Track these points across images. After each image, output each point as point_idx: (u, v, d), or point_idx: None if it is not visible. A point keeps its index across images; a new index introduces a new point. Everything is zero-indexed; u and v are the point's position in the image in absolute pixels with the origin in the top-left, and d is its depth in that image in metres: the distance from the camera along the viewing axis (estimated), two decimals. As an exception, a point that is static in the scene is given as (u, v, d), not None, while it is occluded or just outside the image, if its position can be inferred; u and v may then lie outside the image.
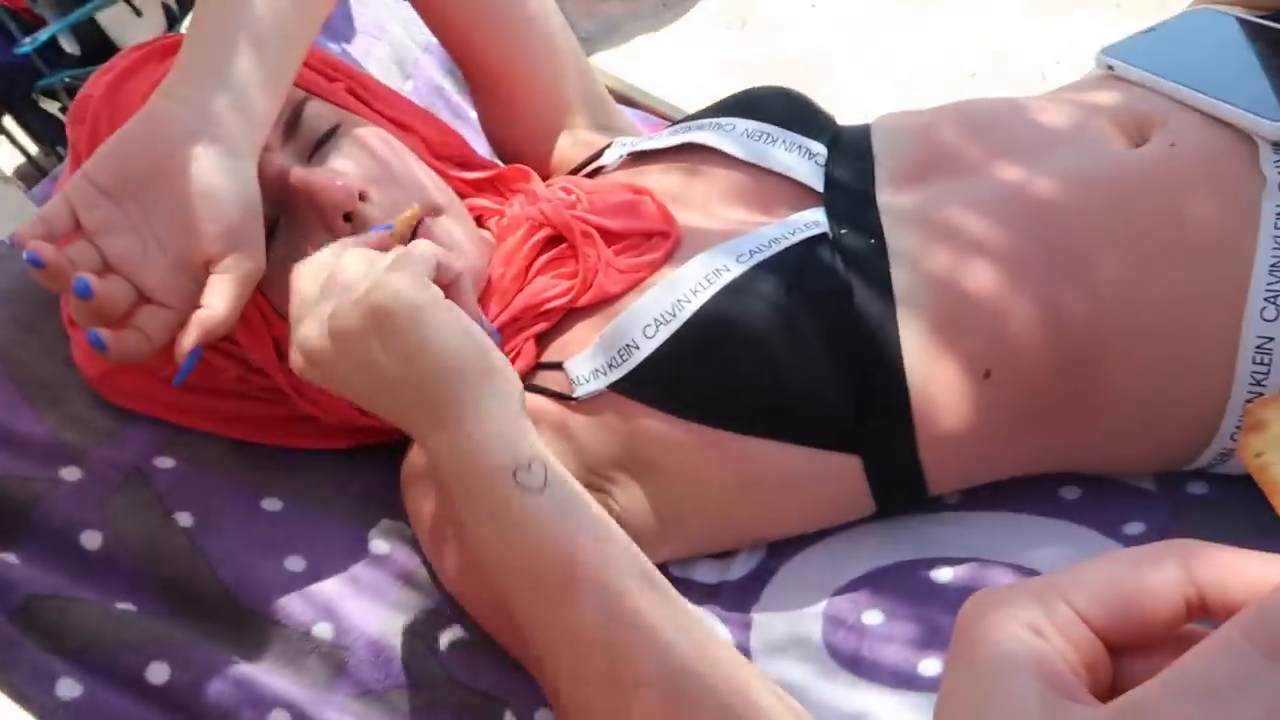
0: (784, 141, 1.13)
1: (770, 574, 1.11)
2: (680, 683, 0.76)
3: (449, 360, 0.79)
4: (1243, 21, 1.15)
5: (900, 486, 1.04)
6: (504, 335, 1.07)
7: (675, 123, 1.29)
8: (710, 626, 1.06)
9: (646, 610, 0.78)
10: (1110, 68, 1.14)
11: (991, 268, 1.00)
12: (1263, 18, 1.15)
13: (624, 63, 3.36)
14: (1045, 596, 0.42)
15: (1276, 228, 0.95)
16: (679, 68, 3.32)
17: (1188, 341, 0.98)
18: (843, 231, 1.05)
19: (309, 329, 0.82)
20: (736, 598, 1.10)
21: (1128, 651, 0.42)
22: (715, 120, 1.18)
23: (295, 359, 0.85)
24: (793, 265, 1.01)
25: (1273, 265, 0.94)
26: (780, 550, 1.12)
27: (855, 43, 3.28)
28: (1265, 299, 0.96)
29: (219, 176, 0.86)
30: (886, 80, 3.15)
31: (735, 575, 1.12)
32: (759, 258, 1.02)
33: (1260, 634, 0.38)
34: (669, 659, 0.76)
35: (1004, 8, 3.31)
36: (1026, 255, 0.99)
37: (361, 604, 1.02)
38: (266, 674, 0.96)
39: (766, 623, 1.06)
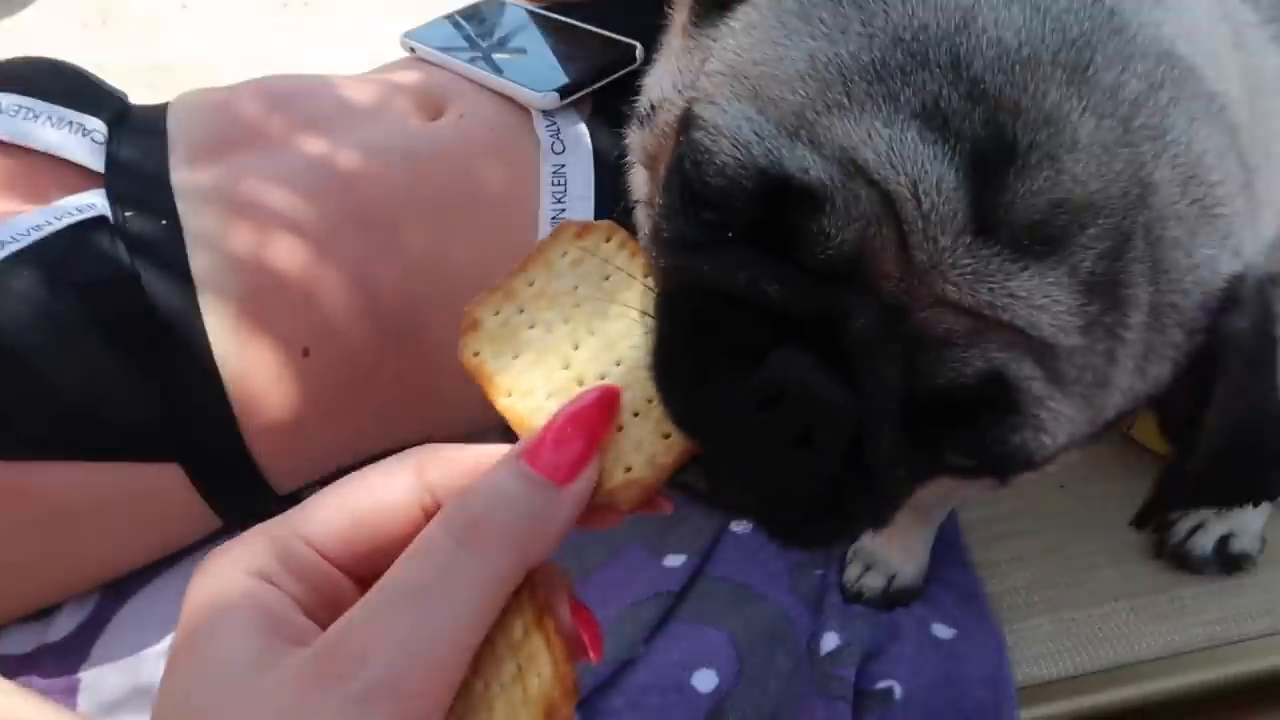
0: (50, 117, 0.98)
1: (104, 622, 0.96)
2: None
3: None
4: (530, 11, 1.27)
5: (238, 487, 0.96)
6: None
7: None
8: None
9: None
10: (412, 50, 1.19)
11: (298, 243, 0.96)
12: (544, 8, 1.28)
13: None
14: (278, 538, 0.41)
15: (553, 184, 1.04)
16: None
17: None
18: (128, 215, 0.94)
19: None
20: (59, 660, 0.93)
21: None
22: None
23: None
24: (56, 255, 0.88)
25: (553, 217, 1.04)
26: (119, 591, 0.98)
27: (240, 44, 3.09)
28: None
29: None
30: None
31: (58, 635, 0.94)
32: (12, 249, 0.87)
33: (455, 524, 0.40)
34: None
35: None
36: (334, 229, 0.97)
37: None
38: None
39: (99, 681, 0.91)
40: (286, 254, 0.95)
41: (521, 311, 0.47)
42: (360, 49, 1.48)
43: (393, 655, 0.37)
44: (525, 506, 0.40)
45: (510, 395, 0.45)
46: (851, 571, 0.96)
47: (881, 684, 0.85)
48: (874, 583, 0.94)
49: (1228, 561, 0.98)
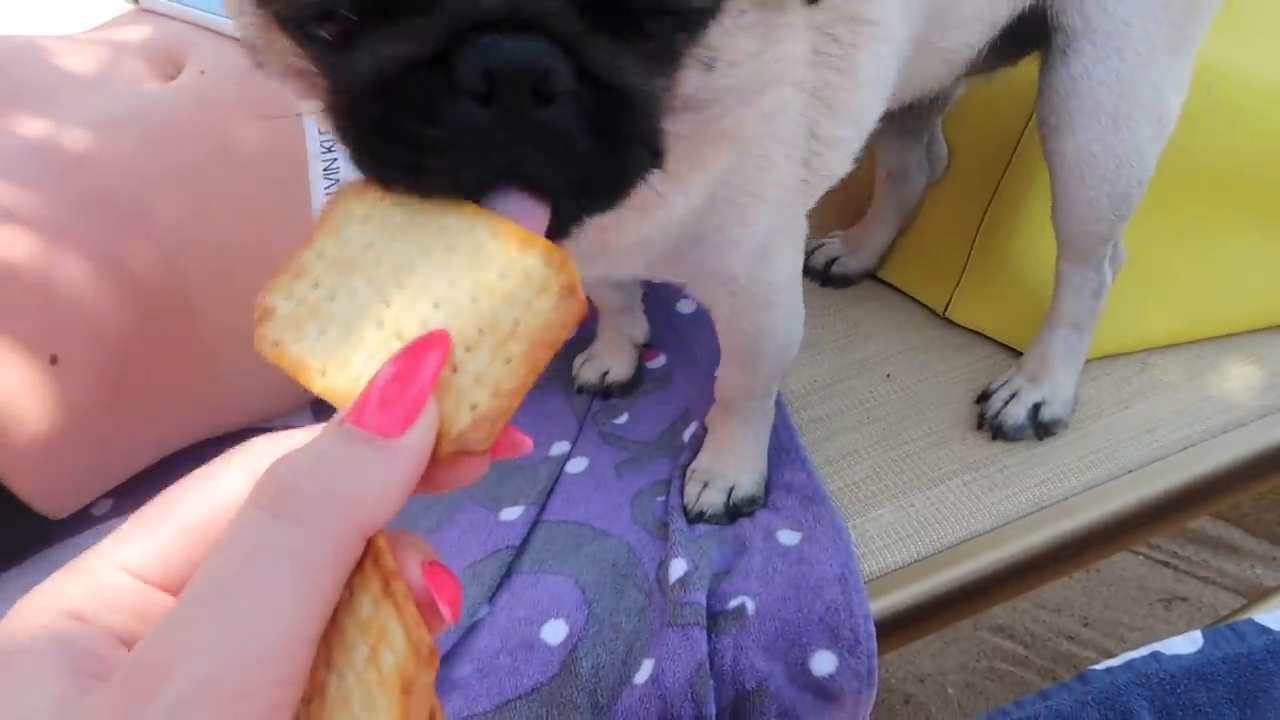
0: None
1: None
2: None
3: None
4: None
5: None
6: None
7: None
8: None
9: None
10: (137, 1, 1.06)
11: (26, 237, 0.84)
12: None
13: None
14: (89, 570, 0.35)
15: (320, 131, 0.95)
16: None
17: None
18: None
19: None
20: None
21: None
22: None
23: None
24: None
25: (325, 167, 0.95)
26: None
27: None
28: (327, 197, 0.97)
29: None
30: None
31: None
32: None
33: (264, 495, 0.34)
34: None
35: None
36: (68, 216, 0.86)
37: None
38: None
39: None
40: (13, 252, 0.83)
41: (317, 286, 0.41)
42: (73, 5, 1.32)
43: (203, 659, 0.31)
44: (348, 465, 0.35)
45: (326, 374, 0.39)
46: (690, 490, 0.93)
47: (734, 602, 0.83)
48: (714, 498, 0.92)
49: (1040, 428, 1.01)
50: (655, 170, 0.48)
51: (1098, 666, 0.77)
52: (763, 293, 0.82)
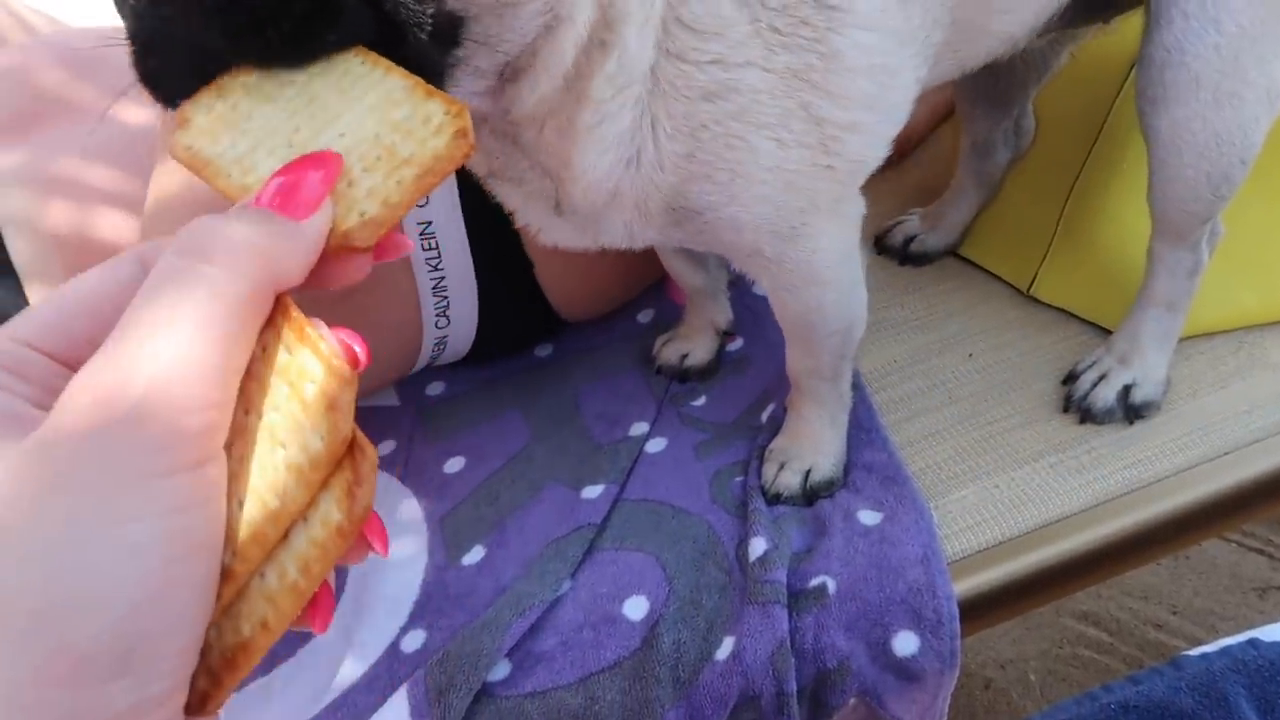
0: None
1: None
2: None
3: None
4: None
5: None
6: None
7: None
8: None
9: None
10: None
11: (126, 220, 0.88)
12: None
13: None
14: None
15: None
16: None
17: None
18: None
19: None
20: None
21: None
22: None
23: None
24: None
25: None
26: None
27: None
28: None
29: None
30: None
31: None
32: None
33: (183, 245, 0.38)
34: None
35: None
36: None
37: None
38: None
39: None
40: (121, 234, 0.87)
41: (236, 108, 0.47)
42: None
43: (153, 371, 0.34)
44: (261, 225, 0.39)
45: (231, 176, 0.44)
46: (768, 471, 0.93)
47: (814, 581, 0.83)
48: (790, 479, 0.92)
49: (1131, 411, 0.97)
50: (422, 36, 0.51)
51: (1191, 652, 0.75)
52: (803, 272, 0.81)
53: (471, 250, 1.04)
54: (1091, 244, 1.12)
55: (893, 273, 1.23)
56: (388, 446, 1.07)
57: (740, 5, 0.65)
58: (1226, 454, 0.94)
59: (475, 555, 0.94)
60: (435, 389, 1.14)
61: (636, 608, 0.85)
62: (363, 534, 0.40)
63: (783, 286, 0.84)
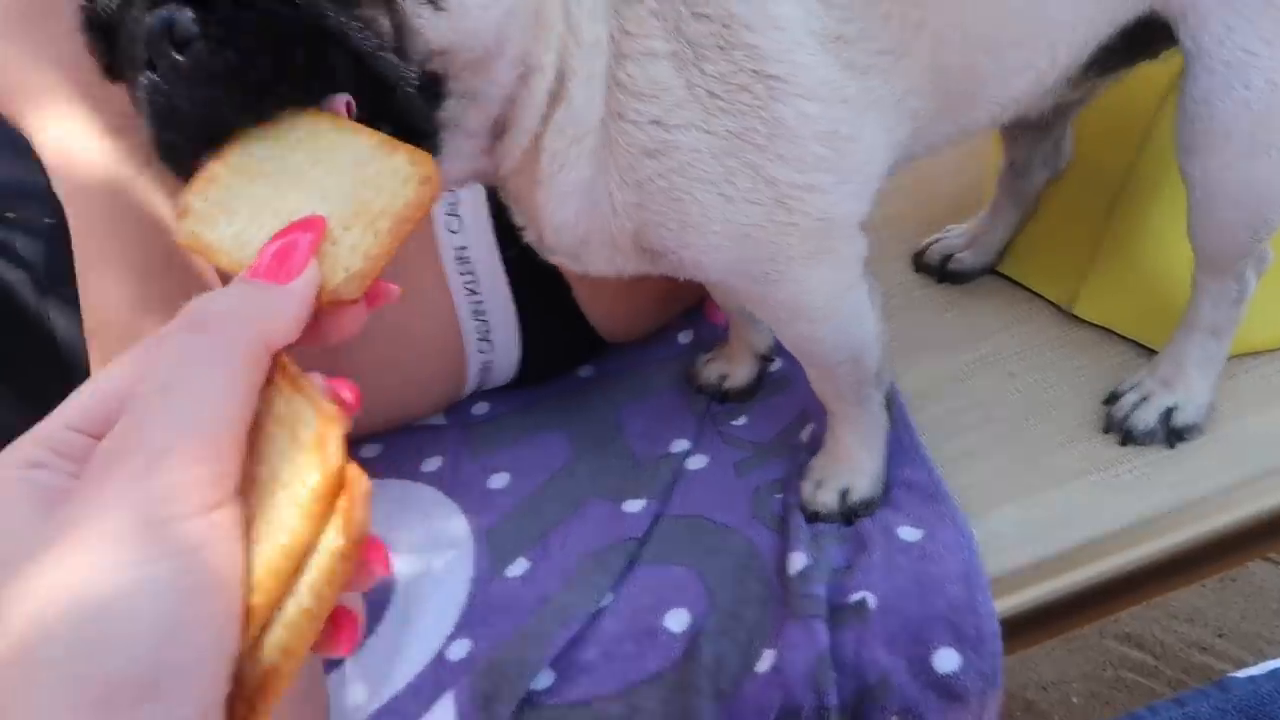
0: None
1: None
2: None
3: None
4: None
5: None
6: None
7: None
8: None
9: None
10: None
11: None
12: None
13: None
14: (42, 432, 0.42)
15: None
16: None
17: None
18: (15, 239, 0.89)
19: None
20: None
21: None
22: None
23: None
24: None
25: (447, 209, 1.00)
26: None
27: None
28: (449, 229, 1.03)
29: None
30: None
31: None
32: None
33: (185, 320, 0.43)
34: None
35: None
36: None
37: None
38: None
39: None
40: None
41: (228, 189, 0.52)
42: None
43: (159, 435, 0.39)
44: (254, 296, 0.45)
45: (230, 254, 0.50)
46: (806, 489, 0.94)
47: (855, 596, 0.84)
48: (828, 498, 0.93)
49: (1172, 434, 0.97)
50: (409, 92, 0.56)
51: (1238, 674, 0.75)
52: (790, 308, 0.82)
53: (511, 275, 1.07)
54: (1134, 262, 1.12)
55: (931, 290, 1.24)
56: (434, 463, 1.10)
57: (677, 70, 0.68)
58: (1271, 474, 0.94)
59: (519, 567, 0.96)
60: (480, 409, 1.17)
61: (677, 620, 0.86)
62: (365, 556, 0.43)
63: (771, 320, 0.86)
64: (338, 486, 0.41)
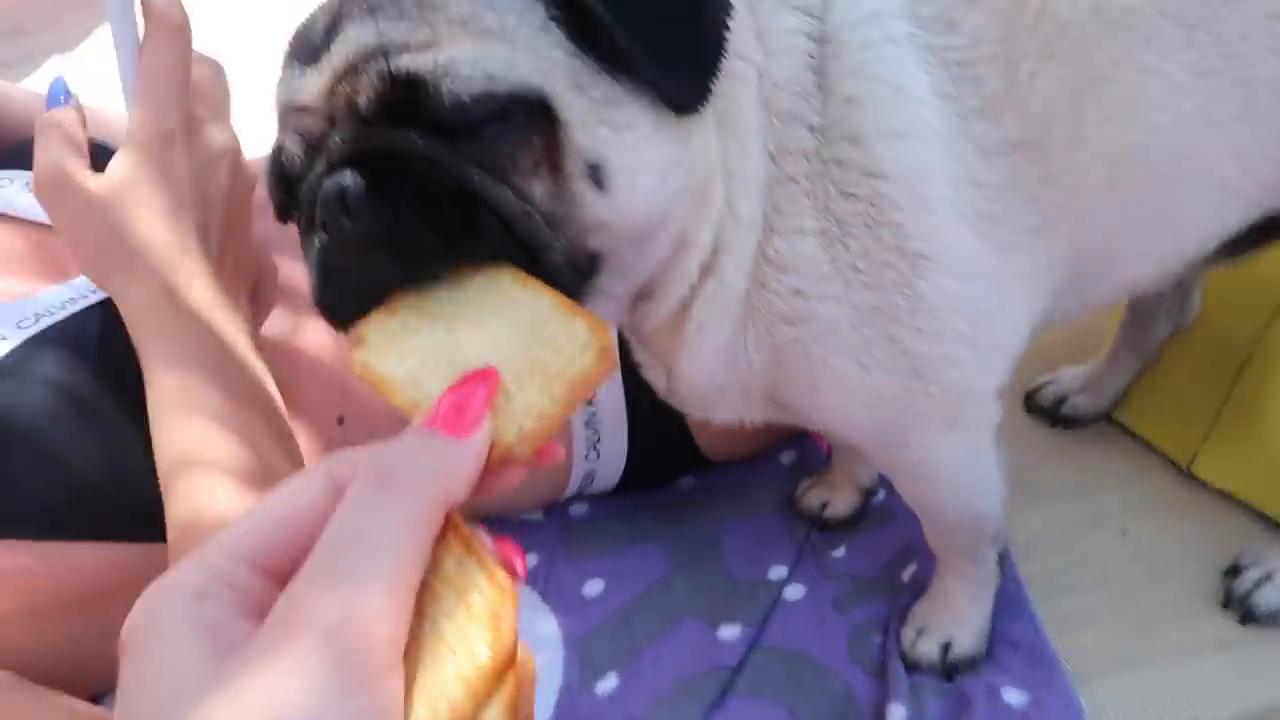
0: None
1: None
2: None
3: None
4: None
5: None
6: None
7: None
8: None
9: None
10: None
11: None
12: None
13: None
14: (207, 557, 0.43)
15: None
16: None
17: None
18: None
19: None
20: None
21: None
22: None
23: None
24: (82, 332, 0.87)
25: None
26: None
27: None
28: None
29: None
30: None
31: None
32: (39, 326, 0.86)
33: (372, 475, 0.43)
34: None
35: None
36: None
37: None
38: None
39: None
40: (317, 328, 0.95)
41: (405, 325, 0.53)
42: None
43: (343, 596, 0.38)
44: (434, 450, 0.45)
45: (404, 392, 0.50)
46: (907, 634, 0.93)
47: (954, 758, 0.82)
48: (929, 649, 0.91)
49: (1300, 615, 0.93)
50: (560, 265, 0.58)
51: None
52: (916, 471, 0.83)
53: (626, 387, 1.08)
54: (1260, 428, 1.08)
55: (1043, 434, 1.22)
56: (530, 560, 1.11)
57: (824, 246, 0.69)
58: (1407, 674, 0.89)
59: (609, 683, 0.96)
60: (579, 510, 1.18)
61: (770, 762, 0.85)
62: None
63: (895, 478, 0.86)
64: (507, 666, 0.41)
